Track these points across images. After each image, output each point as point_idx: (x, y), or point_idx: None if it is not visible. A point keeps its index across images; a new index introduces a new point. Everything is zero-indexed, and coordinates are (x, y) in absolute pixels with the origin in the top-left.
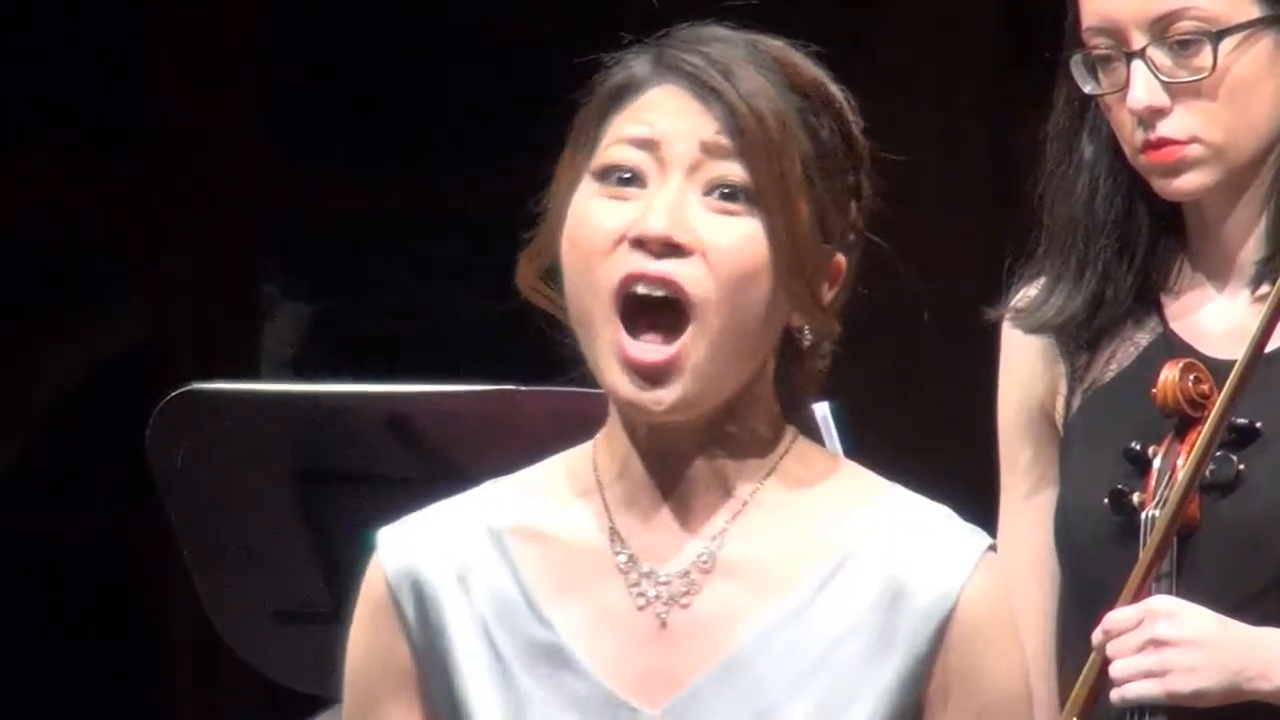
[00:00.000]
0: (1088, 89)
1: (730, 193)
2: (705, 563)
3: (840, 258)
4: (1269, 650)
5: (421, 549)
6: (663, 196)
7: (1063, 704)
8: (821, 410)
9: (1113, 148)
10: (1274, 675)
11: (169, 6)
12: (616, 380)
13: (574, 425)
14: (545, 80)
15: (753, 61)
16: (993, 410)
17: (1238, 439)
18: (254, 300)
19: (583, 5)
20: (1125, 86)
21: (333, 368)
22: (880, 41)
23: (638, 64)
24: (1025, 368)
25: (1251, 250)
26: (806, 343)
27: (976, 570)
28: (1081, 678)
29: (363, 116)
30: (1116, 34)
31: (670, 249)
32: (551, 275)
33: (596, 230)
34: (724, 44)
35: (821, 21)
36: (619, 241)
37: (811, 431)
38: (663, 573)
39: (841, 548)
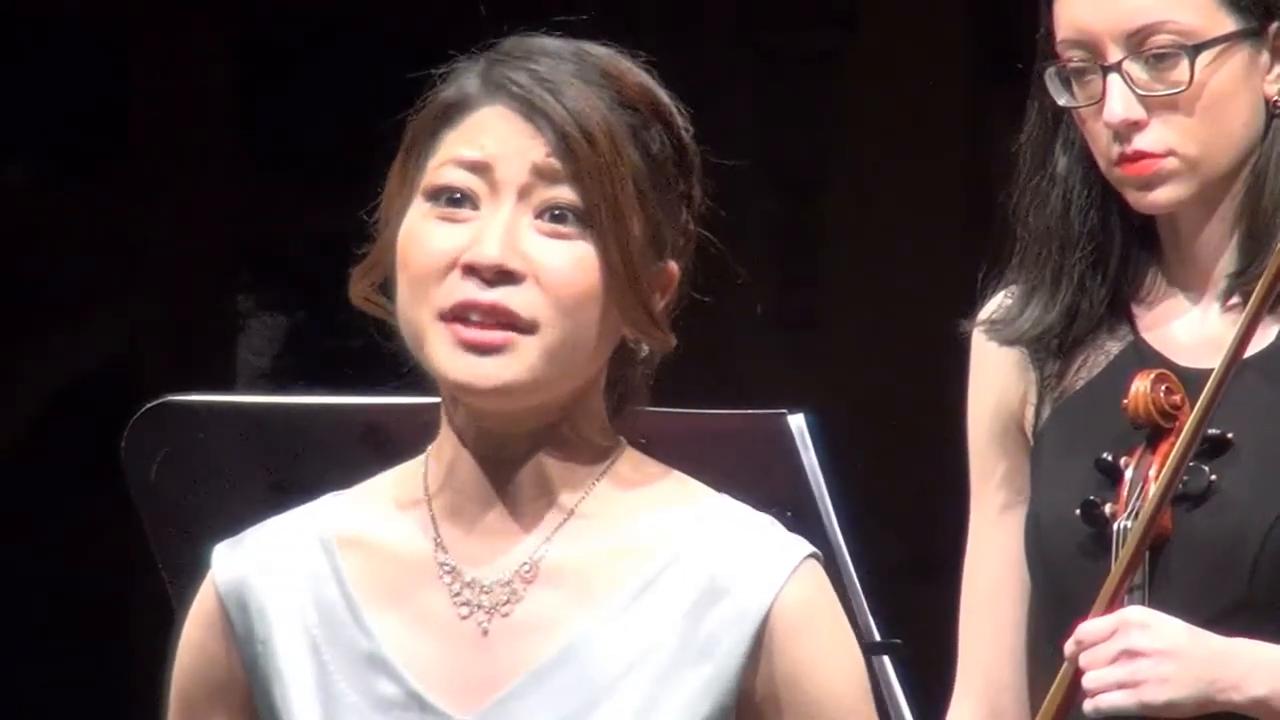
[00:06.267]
0: (1062, 101)
1: (561, 215)
2: (527, 572)
3: (673, 266)
4: (1241, 661)
5: (252, 562)
6: (495, 222)
7: (1034, 715)
8: (796, 422)
9: (1086, 160)
10: (1246, 686)
11: (145, 22)
12: (451, 363)
13: None
14: None
15: (581, 77)
16: (965, 421)
17: (1210, 449)
18: (229, 312)
19: (558, 27)
20: (1100, 99)
21: (308, 379)
22: (855, 58)
23: (467, 80)
24: (997, 378)
25: (1225, 263)
26: (642, 354)
27: (794, 576)
28: (1054, 689)
29: (337, 130)
30: (1092, 47)
31: (502, 275)
32: (384, 285)
33: (429, 253)
34: (552, 59)
35: (797, 40)
36: (451, 266)
37: (642, 446)
38: (486, 581)
39: (662, 554)
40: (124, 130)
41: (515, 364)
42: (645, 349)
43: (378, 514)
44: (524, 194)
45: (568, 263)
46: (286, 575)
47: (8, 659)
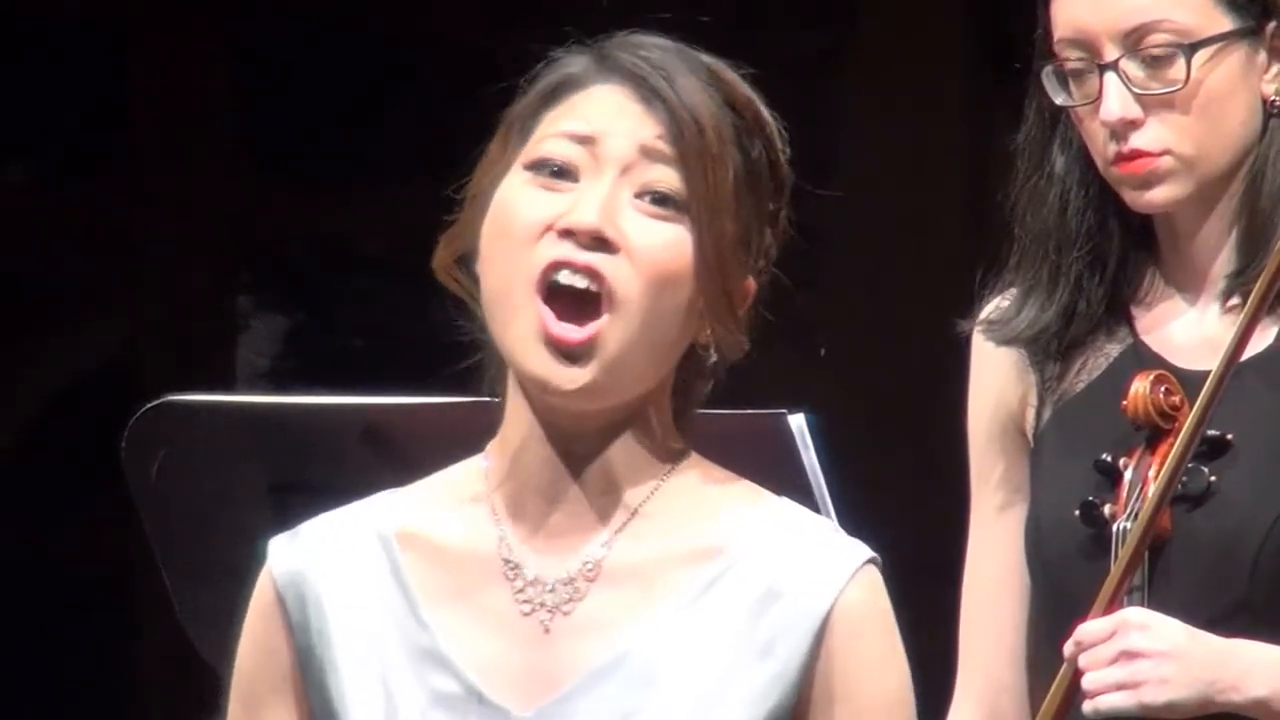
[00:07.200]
0: (1059, 100)
1: (661, 199)
2: (590, 570)
3: (751, 281)
4: (1240, 661)
5: (310, 555)
6: (596, 191)
7: (1034, 716)
8: (797, 421)
9: (1084, 159)
10: (1245, 687)
11: (145, 22)
12: (532, 356)
13: None
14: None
15: (692, 72)
16: (964, 422)
17: (1209, 450)
18: (229, 312)
19: (552, 20)
20: (1097, 98)
21: (308, 379)
22: (854, 57)
23: (576, 62)
24: (996, 379)
25: (1222, 263)
26: (711, 360)
27: (854, 580)
28: (1053, 689)
29: (337, 130)
30: (1089, 46)
31: (598, 243)
32: (462, 261)
33: (525, 217)
34: (663, 51)
35: (796, 38)
36: (546, 230)
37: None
38: (549, 579)
39: (723, 557)
40: (124, 130)
41: (596, 365)
42: (714, 355)
43: (438, 511)
44: (626, 171)
45: (663, 242)
46: (345, 569)
47: (8, 659)
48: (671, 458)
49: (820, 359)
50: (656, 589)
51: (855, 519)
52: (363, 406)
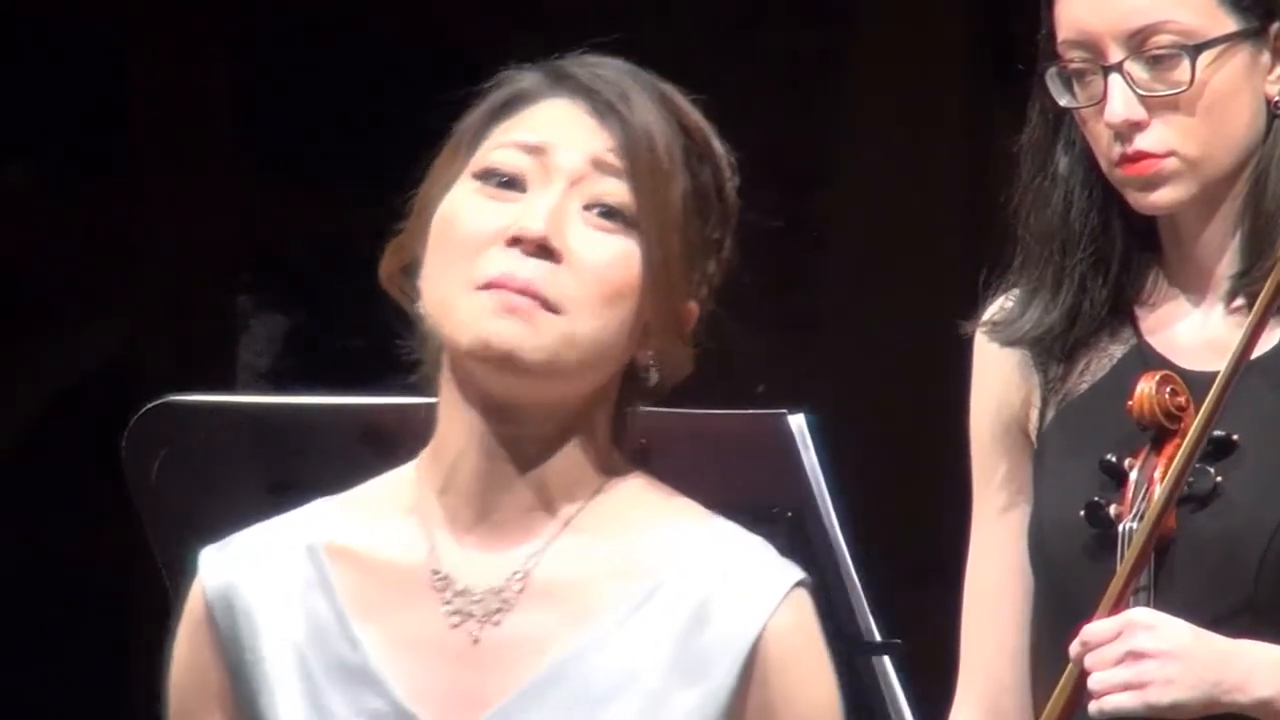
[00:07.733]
0: (1063, 102)
1: (609, 212)
2: (520, 579)
3: (693, 305)
4: (1245, 662)
5: (240, 567)
6: (544, 200)
7: (1039, 717)
8: (797, 421)
9: (1087, 161)
10: (1251, 687)
11: (145, 22)
12: (469, 323)
13: None
14: None
15: (645, 91)
16: (967, 423)
17: (1214, 451)
18: (229, 312)
19: (557, 24)
20: (1102, 100)
21: (308, 379)
22: (854, 57)
23: (528, 78)
24: (1000, 380)
25: (1227, 264)
26: (651, 381)
27: (784, 604)
28: (1058, 690)
29: (337, 130)
30: (1093, 47)
31: (544, 251)
32: (408, 272)
33: (471, 227)
34: (617, 70)
35: (796, 38)
36: (491, 241)
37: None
38: (477, 590)
39: (653, 575)
40: (124, 130)
41: (534, 337)
42: (655, 377)
43: (369, 522)
44: (576, 182)
45: (610, 255)
46: (274, 583)
47: (8, 659)
48: (608, 472)
49: (822, 357)
50: (588, 605)
51: (855, 519)
52: (362, 406)
